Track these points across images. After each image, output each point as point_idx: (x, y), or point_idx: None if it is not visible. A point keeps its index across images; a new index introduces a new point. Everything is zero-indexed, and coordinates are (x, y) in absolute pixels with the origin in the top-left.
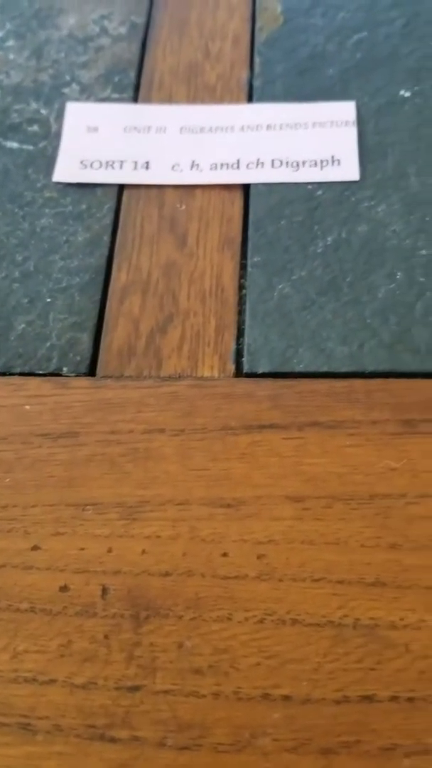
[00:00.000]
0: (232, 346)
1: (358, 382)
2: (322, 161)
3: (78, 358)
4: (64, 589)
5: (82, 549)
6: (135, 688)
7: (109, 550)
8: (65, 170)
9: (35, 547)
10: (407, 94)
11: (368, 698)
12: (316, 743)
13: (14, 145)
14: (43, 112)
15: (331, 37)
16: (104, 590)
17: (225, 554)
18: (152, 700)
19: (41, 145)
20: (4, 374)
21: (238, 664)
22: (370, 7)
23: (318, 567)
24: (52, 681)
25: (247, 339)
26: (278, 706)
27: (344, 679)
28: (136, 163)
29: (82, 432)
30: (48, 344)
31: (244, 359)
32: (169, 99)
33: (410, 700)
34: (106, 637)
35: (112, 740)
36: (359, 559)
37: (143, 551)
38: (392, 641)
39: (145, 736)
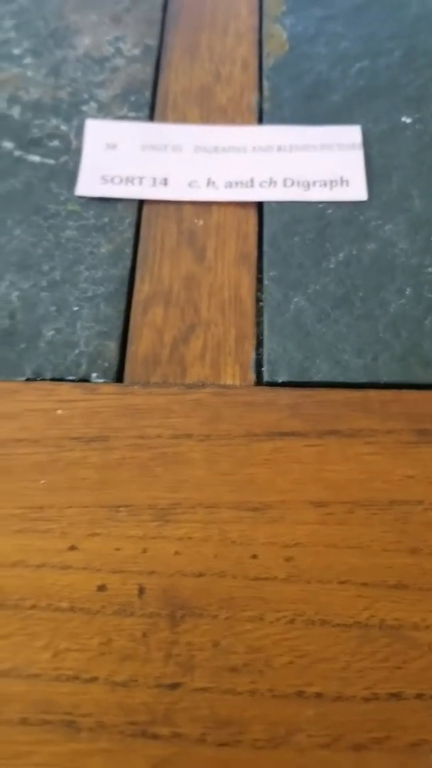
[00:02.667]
0: (252, 355)
1: (373, 393)
2: (331, 182)
3: (106, 364)
4: (101, 588)
5: (118, 549)
6: (174, 686)
7: (144, 551)
8: (87, 184)
9: (72, 548)
10: (408, 121)
11: (395, 696)
12: (348, 739)
13: (36, 158)
14: (63, 128)
15: (334, 65)
16: (141, 590)
17: (254, 556)
18: (191, 697)
19: (62, 159)
20: (34, 379)
21: (272, 663)
22: (370, 38)
23: (343, 570)
24: (94, 679)
25: (266, 349)
26: (311, 704)
27: (372, 677)
28: (154, 179)
29: (113, 436)
30: (77, 351)
31: (264, 369)
32: (183, 119)
33: None
34: (144, 635)
35: (154, 737)
36: (381, 563)
37: (176, 552)
38: (416, 641)
39: (186, 733)
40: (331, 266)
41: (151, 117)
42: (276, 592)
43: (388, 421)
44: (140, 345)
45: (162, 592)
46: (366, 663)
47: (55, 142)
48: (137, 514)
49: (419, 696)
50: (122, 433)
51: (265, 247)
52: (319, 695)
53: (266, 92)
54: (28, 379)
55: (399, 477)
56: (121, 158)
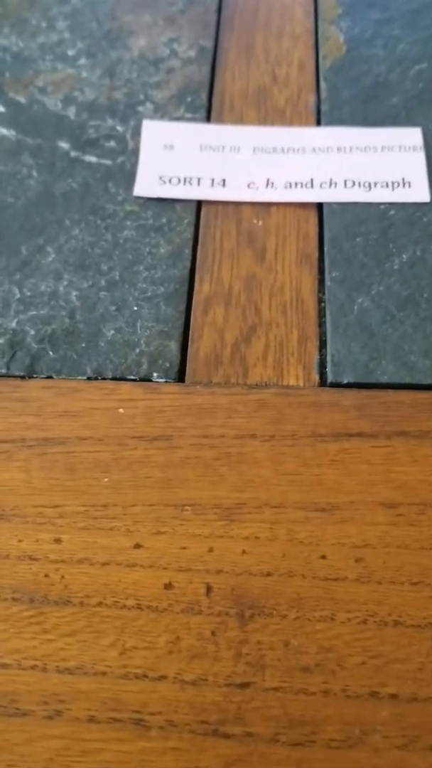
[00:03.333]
0: (316, 356)
1: None
2: (393, 183)
3: (167, 364)
4: (168, 586)
5: (184, 548)
6: (245, 685)
7: (210, 550)
8: (145, 185)
9: (137, 546)
10: None
11: None
12: (425, 740)
13: (93, 159)
14: (120, 128)
15: (392, 68)
16: (208, 588)
17: (323, 556)
18: (262, 696)
19: (119, 160)
20: (96, 378)
21: (344, 663)
22: (428, 41)
23: (415, 571)
24: (163, 677)
25: (330, 350)
26: (386, 704)
27: None
28: (213, 180)
29: (176, 435)
30: (137, 351)
31: (328, 369)
32: (241, 120)
33: None
34: (213, 634)
35: (226, 736)
36: None
37: (243, 551)
38: None
39: (258, 732)
40: (395, 267)
41: (207, 118)
42: (347, 592)
43: None
44: (201, 345)
45: (230, 591)
46: None
47: (112, 143)
48: (202, 513)
49: None
50: (185, 432)
51: (327, 248)
52: (393, 696)
53: (324, 94)
54: (89, 378)
55: None
56: (179, 159)
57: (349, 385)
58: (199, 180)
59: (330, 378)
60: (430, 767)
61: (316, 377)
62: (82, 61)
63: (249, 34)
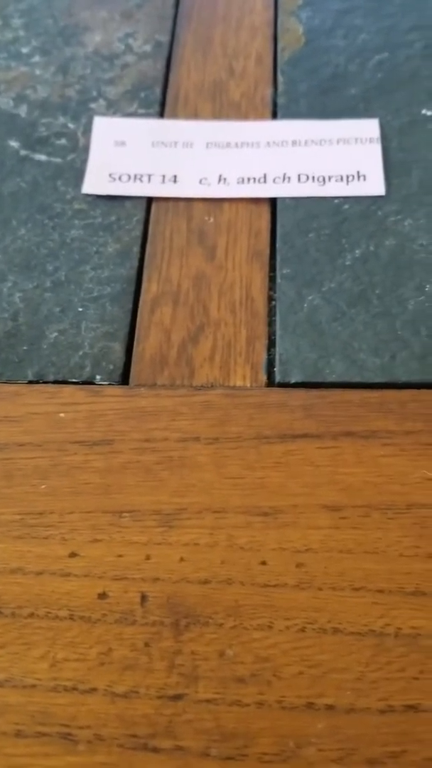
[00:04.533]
0: (264, 356)
1: (390, 393)
2: (348, 176)
3: (111, 366)
4: (102, 596)
5: (120, 556)
6: (177, 697)
7: (147, 558)
8: (94, 183)
9: (73, 554)
10: (429, 113)
11: (413, 708)
12: (361, 753)
13: (42, 157)
14: (71, 126)
15: (352, 58)
16: (143, 597)
17: (263, 562)
18: (195, 709)
19: (69, 158)
20: (37, 382)
21: (281, 673)
22: (390, 30)
23: (357, 576)
24: (93, 690)
25: (278, 349)
26: (322, 716)
27: (387, 688)
28: (164, 176)
29: (117, 440)
30: (81, 353)
31: (276, 369)
32: (195, 115)
33: None
34: (146, 644)
35: (155, 750)
36: (398, 569)
37: (181, 559)
38: None
39: (189, 746)
40: (348, 263)
41: (161, 114)
42: (286, 599)
43: (406, 422)
44: (147, 346)
45: (165, 600)
46: (381, 673)
47: (63, 141)
48: (141, 520)
49: None
50: (127, 436)
51: (279, 245)
52: (330, 707)
53: (281, 87)
54: (30, 382)
55: (417, 479)
56: (130, 156)
57: (297, 385)
58: (149, 177)
59: (278, 378)
60: None
61: (263, 377)
62: (36, 58)
63: (207, 27)
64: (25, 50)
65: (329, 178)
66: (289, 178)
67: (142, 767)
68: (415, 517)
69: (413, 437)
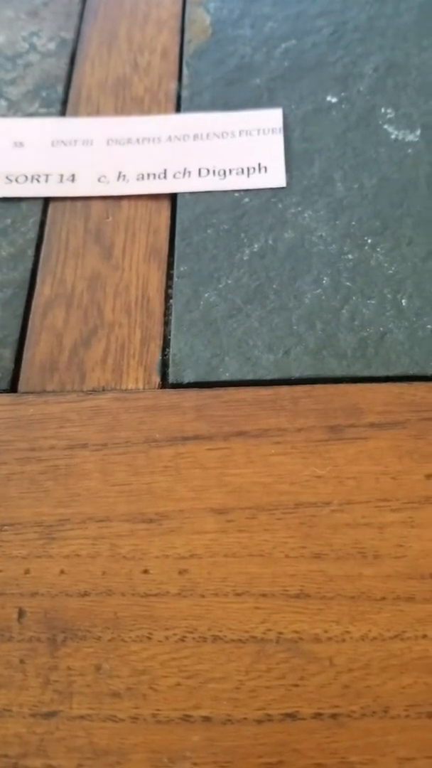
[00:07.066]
0: (158, 357)
1: (284, 390)
2: (249, 169)
3: None
4: None
5: None
6: (51, 714)
7: (27, 572)
8: None
9: None
10: (334, 100)
11: (291, 716)
12: (236, 766)
13: None
14: None
15: (258, 47)
16: (21, 613)
17: (146, 571)
18: (68, 726)
19: None
20: None
21: (158, 686)
22: (298, 17)
23: (241, 580)
24: None
25: (172, 349)
26: (198, 728)
27: (266, 696)
28: (62, 176)
29: (1, 450)
30: None
31: (170, 370)
32: (97, 112)
33: (334, 716)
34: (21, 661)
35: None
36: (283, 571)
37: (62, 571)
38: (316, 655)
39: (60, 765)
40: (245, 258)
41: (63, 112)
42: (167, 608)
43: (298, 419)
44: (37, 351)
45: (44, 615)
46: (260, 681)
47: None
48: (22, 533)
49: (317, 715)
50: (12, 446)
51: (177, 242)
52: (206, 719)
53: (186, 80)
54: None
55: (307, 477)
56: (28, 156)
57: (190, 385)
58: (47, 177)
59: (171, 379)
60: None
61: (157, 379)
62: None
63: (113, 22)
64: None
65: (230, 171)
66: (189, 172)
67: None
68: (302, 517)
69: (304, 434)
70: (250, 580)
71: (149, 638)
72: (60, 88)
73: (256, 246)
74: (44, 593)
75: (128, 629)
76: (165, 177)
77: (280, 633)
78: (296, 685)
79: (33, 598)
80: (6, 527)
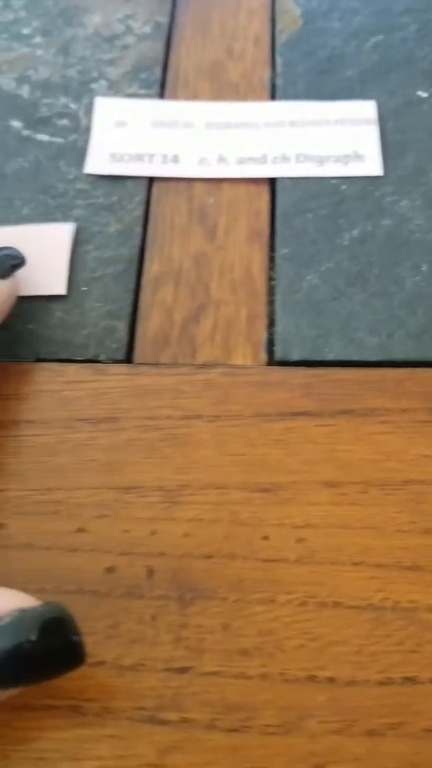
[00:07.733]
0: (264, 335)
1: (387, 371)
2: (345, 157)
3: (114, 345)
4: (110, 570)
5: (126, 531)
6: (183, 670)
7: (153, 533)
8: (96, 163)
9: (80, 530)
10: (425, 95)
11: (410, 680)
12: (361, 725)
13: (45, 137)
14: (73, 106)
15: (348, 40)
16: (150, 572)
17: (265, 537)
18: (200, 681)
19: (71, 138)
20: (43, 360)
21: (283, 646)
22: (384, 13)
23: (356, 551)
24: (101, 663)
25: (278, 328)
26: (323, 688)
27: (386, 661)
28: (165, 156)
29: (122, 417)
30: (85, 332)
31: (276, 348)
32: (194, 96)
33: None
34: (153, 618)
35: (162, 722)
36: (396, 544)
37: (185, 534)
38: (431, 624)
39: (195, 718)
40: (345, 243)
41: (161, 94)
42: (287, 573)
43: (402, 400)
44: (149, 325)
45: (171, 574)
46: (380, 646)
47: (65, 121)
48: (146, 496)
49: None
50: (131, 414)
51: (278, 224)
52: (331, 680)
53: (279, 68)
54: (37, 360)
55: (413, 456)
56: (131, 136)
57: (296, 363)
58: (150, 157)
59: (277, 356)
60: (365, 752)
61: (264, 356)
62: (37, 39)
63: (205, 9)
64: (26, 31)
65: (327, 158)
66: (287, 158)
67: (149, 739)
68: (410, 493)
69: (409, 415)
70: (365, 550)
71: (272, 601)
72: (158, 71)
73: (355, 232)
74: (171, 554)
75: (251, 591)
76: (264, 162)
77: (397, 602)
78: (414, 651)
79: (160, 558)
80: (130, 490)
